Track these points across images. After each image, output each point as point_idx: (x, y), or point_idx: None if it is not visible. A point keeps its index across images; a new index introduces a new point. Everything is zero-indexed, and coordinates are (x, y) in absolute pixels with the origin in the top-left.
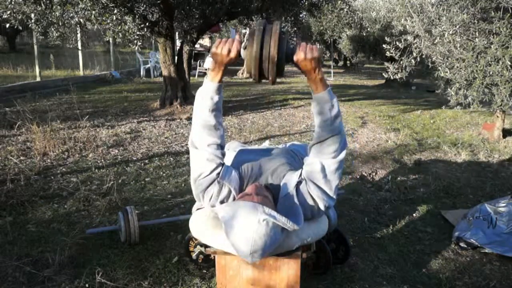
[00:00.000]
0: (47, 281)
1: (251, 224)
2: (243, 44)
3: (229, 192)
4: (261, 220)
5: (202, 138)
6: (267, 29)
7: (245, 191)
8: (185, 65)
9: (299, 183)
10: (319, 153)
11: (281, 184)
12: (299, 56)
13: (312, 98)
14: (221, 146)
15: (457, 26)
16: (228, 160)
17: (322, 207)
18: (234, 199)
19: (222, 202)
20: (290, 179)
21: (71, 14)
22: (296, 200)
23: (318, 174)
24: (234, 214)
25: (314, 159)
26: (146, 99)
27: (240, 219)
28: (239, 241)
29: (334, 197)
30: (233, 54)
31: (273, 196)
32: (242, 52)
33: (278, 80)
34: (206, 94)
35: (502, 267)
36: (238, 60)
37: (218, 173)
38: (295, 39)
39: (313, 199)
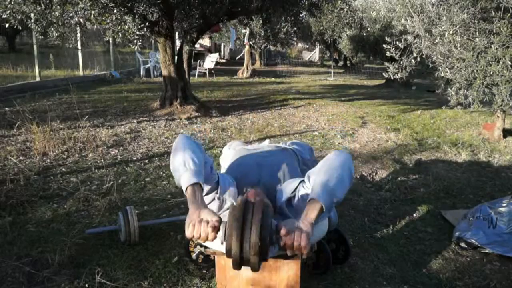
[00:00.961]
0: (47, 281)
1: None
2: (219, 233)
3: (231, 204)
4: None
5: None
6: (247, 220)
7: (245, 195)
8: (185, 65)
9: (293, 197)
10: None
11: (278, 191)
12: (285, 246)
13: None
14: (206, 163)
15: (457, 26)
16: (228, 159)
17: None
18: None
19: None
20: (285, 190)
21: (71, 14)
22: (289, 213)
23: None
24: None
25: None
26: (146, 99)
27: None
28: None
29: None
30: (210, 238)
31: (272, 201)
32: (219, 240)
33: (278, 80)
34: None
35: (502, 267)
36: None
37: (216, 190)
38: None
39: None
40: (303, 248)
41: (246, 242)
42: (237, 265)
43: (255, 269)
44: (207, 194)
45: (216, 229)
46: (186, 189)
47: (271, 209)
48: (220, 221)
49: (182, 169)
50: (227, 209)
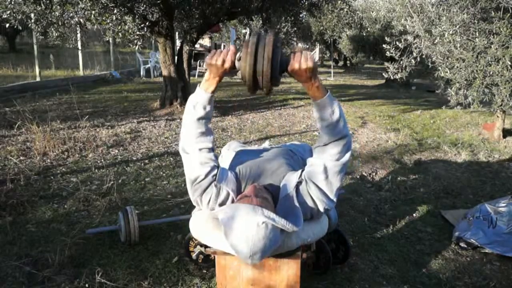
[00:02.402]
0: (47, 281)
1: (251, 227)
2: (237, 55)
3: (228, 194)
4: (260, 223)
5: (192, 144)
6: (261, 40)
7: (244, 192)
8: (185, 65)
9: (299, 183)
10: (323, 155)
11: (281, 185)
12: (293, 66)
13: (312, 104)
14: (212, 149)
15: (457, 26)
16: (227, 160)
17: (321, 209)
18: (233, 201)
19: (221, 204)
20: (290, 180)
21: (71, 14)
22: (295, 201)
23: (320, 175)
24: (233, 217)
25: (317, 160)
26: (146, 99)
27: (239, 222)
28: (238, 244)
29: (335, 199)
30: (227, 65)
31: (273, 197)
32: (237, 63)
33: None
34: (198, 104)
35: (502, 267)
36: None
37: (214, 176)
38: (295, 39)
39: (313, 200)
40: (309, 65)
41: (259, 61)
42: (251, 84)
43: (267, 91)
44: (204, 178)
45: (235, 53)
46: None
47: (281, 47)
48: (236, 52)
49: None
50: (223, 200)
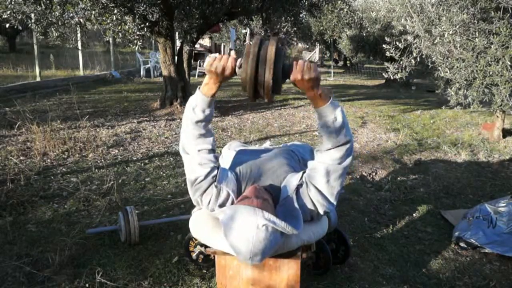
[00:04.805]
0: (47, 281)
1: (251, 229)
2: (238, 61)
3: (228, 195)
4: (261, 225)
5: (192, 145)
6: (263, 48)
7: (244, 193)
8: (185, 65)
9: (299, 185)
10: (324, 158)
11: (282, 186)
12: (295, 76)
13: (315, 111)
14: (212, 150)
15: (457, 26)
16: (228, 160)
17: (321, 211)
18: (233, 202)
19: (221, 205)
20: (290, 182)
21: (71, 14)
22: (296, 203)
23: (321, 179)
24: (234, 218)
25: (318, 163)
26: (146, 99)
27: (239, 224)
28: (238, 245)
29: (335, 203)
30: (227, 72)
31: (273, 198)
32: (237, 70)
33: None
34: (197, 107)
35: (502, 267)
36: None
37: (214, 177)
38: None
39: (313, 203)
40: (311, 75)
41: (261, 64)
42: (252, 93)
43: (269, 98)
44: (203, 179)
45: (235, 60)
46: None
47: (283, 54)
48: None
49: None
50: (224, 200)
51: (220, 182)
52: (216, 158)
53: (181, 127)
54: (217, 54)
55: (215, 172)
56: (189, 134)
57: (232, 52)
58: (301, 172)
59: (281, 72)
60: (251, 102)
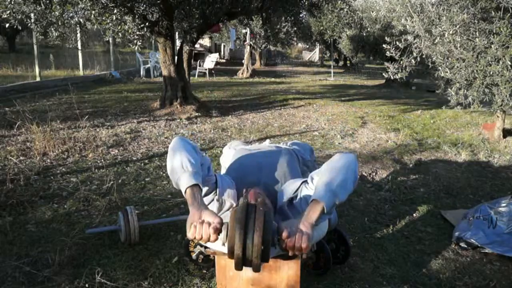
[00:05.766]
0: (47, 281)
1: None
2: (220, 235)
3: (231, 205)
4: None
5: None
6: (250, 219)
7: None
8: (185, 65)
9: (294, 198)
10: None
11: (279, 192)
12: (287, 246)
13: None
14: (203, 164)
15: (457, 26)
16: (228, 159)
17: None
18: None
19: (223, 213)
20: (286, 191)
21: (71, 14)
22: (289, 213)
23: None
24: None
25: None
26: (146, 99)
27: None
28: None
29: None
30: (211, 240)
31: (273, 201)
32: (221, 237)
33: (278, 80)
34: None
35: (502, 267)
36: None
37: (214, 190)
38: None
39: None
40: (304, 249)
41: (249, 244)
42: (239, 266)
43: (257, 270)
44: (205, 195)
45: (217, 231)
46: (186, 191)
47: (272, 211)
48: (221, 222)
49: (180, 171)
50: (227, 210)
51: (221, 194)
52: (210, 169)
53: (181, 127)
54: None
55: (215, 185)
56: (178, 172)
57: (216, 221)
58: (299, 182)
59: (269, 247)
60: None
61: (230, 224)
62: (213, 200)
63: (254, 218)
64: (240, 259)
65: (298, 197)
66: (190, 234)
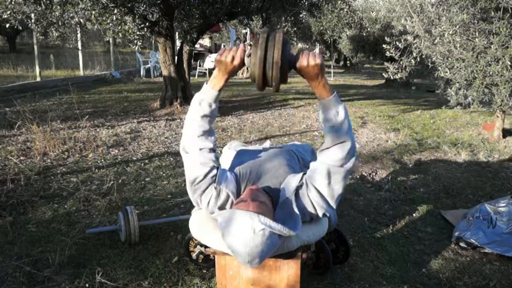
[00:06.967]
0: (47, 281)
1: (247, 234)
2: (247, 52)
3: (227, 196)
4: (257, 230)
5: (194, 143)
6: (271, 36)
7: (241, 196)
8: (185, 65)
9: (299, 187)
10: (326, 159)
11: (281, 188)
12: (302, 63)
13: (318, 104)
14: (213, 150)
15: (457, 26)
16: (228, 159)
17: (320, 214)
18: (232, 203)
19: (221, 207)
20: (290, 183)
21: (71, 14)
22: (294, 205)
23: (323, 180)
24: (231, 223)
25: (320, 164)
26: (146, 99)
27: (236, 229)
28: (237, 250)
29: (335, 206)
30: (236, 61)
31: (272, 200)
32: (246, 60)
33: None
34: (204, 101)
35: (502, 267)
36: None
37: (213, 177)
38: (295, 39)
39: (313, 205)
40: (318, 63)
41: (269, 59)
42: (261, 86)
43: (276, 89)
44: (204, 177)
45: (243, 52)
46: (207, 84)
47: (290, 44)
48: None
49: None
50: (223, 202)
51: (219, 183)
52: (217, 158)
53: (181, 127)
54: (216, 55)
55: (215, 172)
56: (193, 131)
57: (241, 44)
58: (301, 173)
59: (288, 56)
60: (260, 91)
61: (253, 49)
62: (209, 186)
63: (274, 40)
64: (261, 77)
65: (304, 184)
66: (218, 55)
